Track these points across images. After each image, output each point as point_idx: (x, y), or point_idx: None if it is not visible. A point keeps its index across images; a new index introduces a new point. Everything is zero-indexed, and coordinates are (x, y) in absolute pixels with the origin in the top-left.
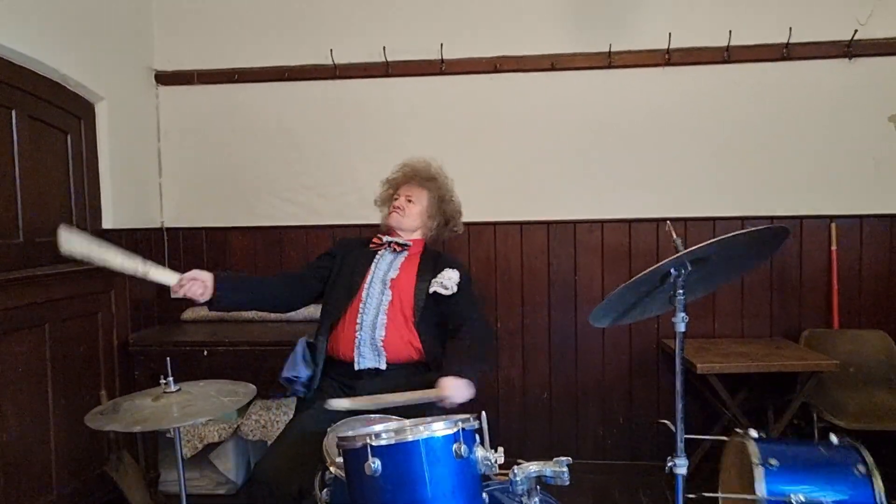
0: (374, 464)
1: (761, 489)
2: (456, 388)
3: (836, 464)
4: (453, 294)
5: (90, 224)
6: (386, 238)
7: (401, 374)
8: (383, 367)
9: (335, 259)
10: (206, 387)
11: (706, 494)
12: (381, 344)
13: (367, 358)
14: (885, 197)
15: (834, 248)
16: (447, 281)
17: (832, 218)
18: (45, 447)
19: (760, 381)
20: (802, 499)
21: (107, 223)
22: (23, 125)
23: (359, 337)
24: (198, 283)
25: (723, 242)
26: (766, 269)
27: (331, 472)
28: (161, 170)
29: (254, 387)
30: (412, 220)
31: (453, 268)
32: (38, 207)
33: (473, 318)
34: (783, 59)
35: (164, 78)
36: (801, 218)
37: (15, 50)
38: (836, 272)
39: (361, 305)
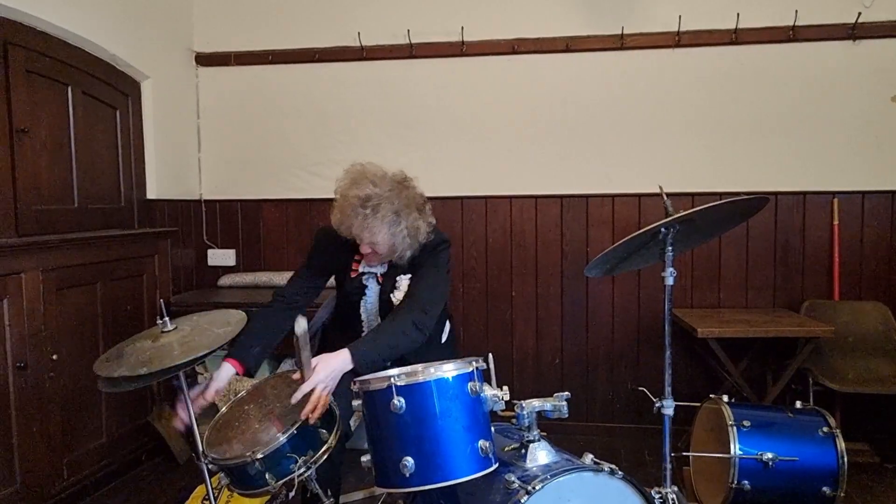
0: (399, 402)
1: (735, 448)
2: (326, 363)
3: (803, 426)
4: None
5: (136, 194)
6: (364, 268)
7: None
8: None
9: (325, 264)
10: (199, 319)
11: (686, 454)
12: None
13: None
14: (886, 174)
15: (836, 222)
16: (398, 295)
17: (834, 194)
18: (96, 396)
19: (762, 349)
20: (771, 456)
21: (150, 194)
22: (77, 101)
23: None
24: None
25: (709, 209)
26: (770, 243)
27: (211, 462)
28: (200, 145)
29: (244, 314)
30: (387, 256)
31: (407, 272)
32: (90, 176)
33: (412, 307)
34: (789, 40)
35: (203, 59)
36: (804, 193)
37: (71, 31)
38: (838, 246)
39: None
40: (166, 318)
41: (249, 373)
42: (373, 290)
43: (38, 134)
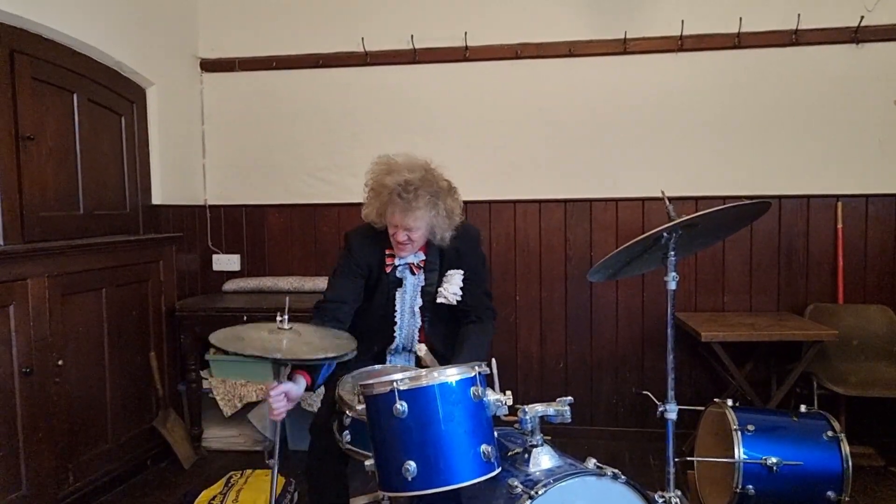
0: (402, 406)
1: (739, 452)
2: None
3: (807, 430)
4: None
5: (141, 199)
6: (399, 261)
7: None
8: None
9: (363, 269)
10: (305, 328)
11: (690, 459)
12: (412, 351)
13: (399, 359)
14: (890, 177)
15: (840, 226)
16: (451, 288)
17: (838, 197)
18: (101, 401)
19: (766, 352)
20: (776, 461)
21: (156, 199)
22: (83, 107)
23: (395, 355)
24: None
25: (712, 214)
26: (774, 247)
27: (348, 416)
28: (205, 151)
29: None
30: (419, 243)
31: (458, 266)
32: (96, 183)
33: (482, 306)
34: (792, 44)
35: (207, 65)
36: (808, 197)
37: (76, 38)
38: (842, 249)
39: (396, 333)
40: (286, 317)
41: (312, 387)
42: (410, 281)
43: (43, 141)
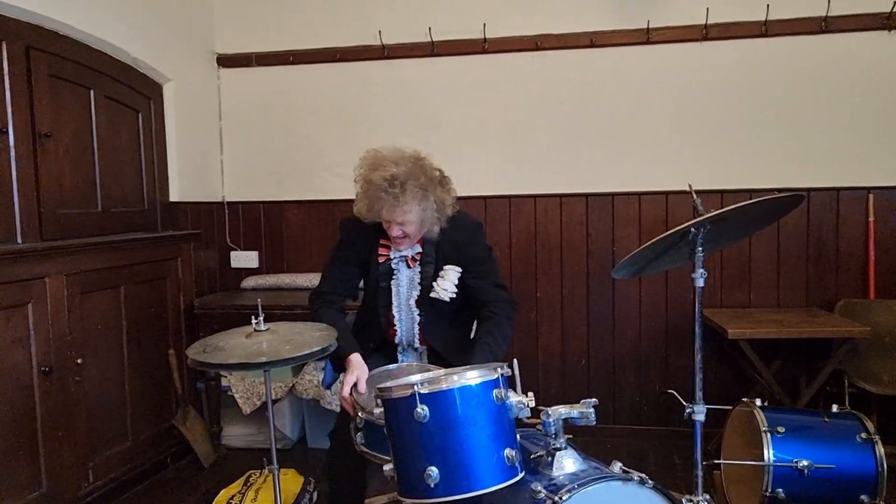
0: (423, 410)
1: (769, 455)
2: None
3: (840, 431)
4: (469, 281)
5: (159, 196)
6: (395, 254)
7: (434, 361)
8: (424, 361)
9: (353, 255)
10: (281, 326)
11: (718, 462)
12: (417, 348)
13: (408, 357)
14: None
15: (871, 219)
16: (444, 284)
17: (870, 189)
18: (121, 399)
19: (794, 349)
20: (807, 464)
21: (173, 196)
22: (100, 104)
23: (400, 357)
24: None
25: (742, 208)
26: (803, 240)
27: (360, 417)
28: (222, 147)
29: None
30: (417, 236)
31: (457, 261)
32: (113, 180)
33: (496, 299)
34: (821, 31)
35: (224, 60)
36: (838, 189)
37: (93, 35)
38: (874, 243)
39: (397, 327)
40: (261, 318)
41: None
42: (405, 274)
43: (61, 138)
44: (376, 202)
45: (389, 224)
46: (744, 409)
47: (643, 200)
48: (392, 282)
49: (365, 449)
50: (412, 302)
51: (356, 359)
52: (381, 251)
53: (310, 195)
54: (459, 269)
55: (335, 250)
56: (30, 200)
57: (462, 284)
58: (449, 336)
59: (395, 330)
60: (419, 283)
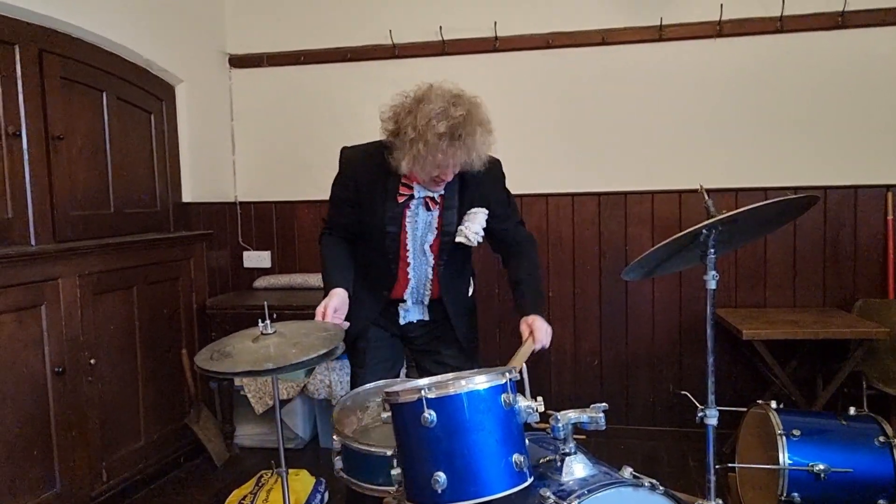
0: (430, 415)
1: (784, 458)
2: (547, 333)
3: (857, 435)
4: (494, 225)
5: (171, 197)
6: (417, 191)
7: (437, 318)
8: (426, 318)
9: (353, 193)
10: (287, 326)
11: (732, 465)
12: (427, 303)
13: (412, 314)
14: None
15: (890, 217)
16: (473, 227)
17: (888, 187)
18: (134, 399)
19: (811, 350)
20: (823, 467)
21: (186, 197)
22: (112, 106)
23: (407, 304)
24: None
25: (754, 210)
26: (820, 239)
27: (336, 440)
28: (234, 148)
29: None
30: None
31: (481, 203)
32: (126, 181)
33: (522, 238)
34: (838, 27)
35: (236, 61)
36: (855, 187)
37: (105, 37)
38: (892, 242)
39: (410, 275)
40: (268, 322)
41: (350, 296)
42: (422, 217)
43: (73, 140)
44: (436, 152)
45: (445, 171)
46: (759, 411)
47: (656, 199)
48: (407, 223)
49: (343, 475)
50: (427, 247)
51: (340, 291)
52: (402, 190)
53: (322, 195)
54: (486, 212)
55: (334, 187)
56: (43, 202)
57: (489, 233)
58: (459, 285)
59: (409, 278)
60: (436, 228)
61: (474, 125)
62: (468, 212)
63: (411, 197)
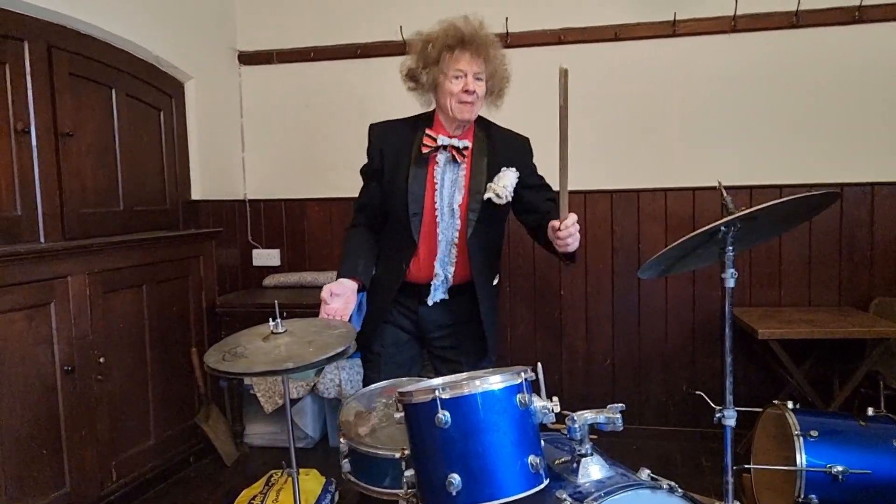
0: (444, 416)
1: (801, 459)
2: (576, 229)
3: (876, 436)
4: (525, 194)
5: (180, 195)
6: (442, 140)
7: (460, 300)
8: (447, 297)
9: (378, 163)
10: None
11: (748, 466)
12: (451, 277)
13: (439, 292)
14: None
15: None
16: (503, 182)
17: None
18: (144, 398)
19: (827, 350)
20: (841, 469)
21: (195, 194)
22: (121, 103)
23: (437, 276)
24: (339, 301)
25: (773, 207)
26: (836, 236)
27: (343, 442)
28: (244, 145)
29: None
30: (482, 101)
31: (511, 164)
32: (135, 179)
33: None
34: (855, 22)
35: (246, 58)
36: (872, 184)
37: (114, 33)
38: None
39: (440, 237)
40: (279, 321)
41: (364, 287)
42: (449, 175)
43: (82, 137)
44: (452, 51)
45: (464, 77)
46: (775, 411)
47: (669, 196)
48: (436, 179)
49: (352, 478)
50: (455, 207)
51: (343, 280)
52: (427, 141)
53: (332, 192)
54: (517, 173)
55: (363, 167)
56: (52, 200)
57: (519, 202)
58: (489, 252)
59: (439, 240)
60: (464, 187)
61: (485, 31)
62: (503, 170)
63: (437, 149)
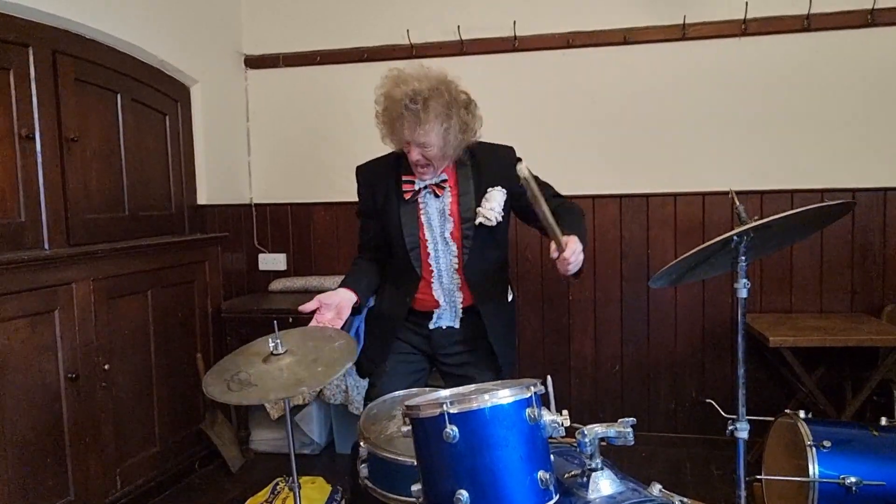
0: (452, 430)
1: (814, 470)
2: (578, 252)
3: (890, 446)
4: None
5: (186, 200)
6: (419, 184)
7: (472, 333)
8: (457, 325)
9: (370, 202)
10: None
11: (760, 477)
12: (460, 302)
13: (444, 319)
14: None
15: None
16: (489, 204)
17: None
18: (148, 404)
19: (839, 357)
20: (855, 480)
21: (201, 199)
22: (127, 107)
23: (441, 307)
24: (331, 310)
25: (787, 217)
26: (848, 242)
27: (363, 447)
28: (250, 149)
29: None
30: (440, 164)
31: (498, 181)
32: (140, 184)
33: (560, 204)
34: (867, 25)
35: (252, 62)
36: (885, 189)
37: (119, 38)
38: None
39: (434, 273)
40: (279, 341)
41: (359, 306)
42: (433, 205)
43: (87, 142)
44: (397, 120)
45: (409, 148)
46: (787, 420)
47: (679, 201)
48: (422, 215)
49: (368, 483)
50: (447, 236)
51: (339, 290)
52: (406, 187)
53: (338, 197)
54: (505, 191)
55: (358, 207)
56: (57, 206)
57: (518, 212)
58: (490, 273)
59: (432, 269)
60: (450, 215)
61: (434, 101)
62: (486, 192)
63: (417, 191)
